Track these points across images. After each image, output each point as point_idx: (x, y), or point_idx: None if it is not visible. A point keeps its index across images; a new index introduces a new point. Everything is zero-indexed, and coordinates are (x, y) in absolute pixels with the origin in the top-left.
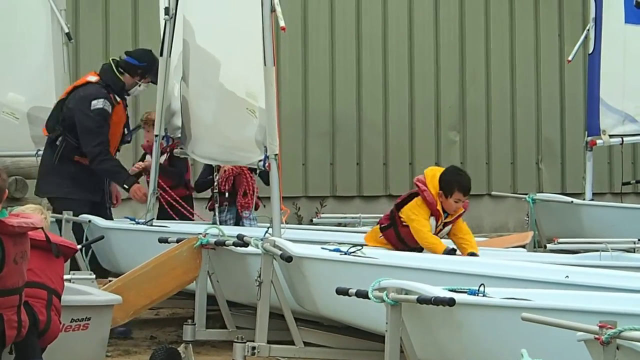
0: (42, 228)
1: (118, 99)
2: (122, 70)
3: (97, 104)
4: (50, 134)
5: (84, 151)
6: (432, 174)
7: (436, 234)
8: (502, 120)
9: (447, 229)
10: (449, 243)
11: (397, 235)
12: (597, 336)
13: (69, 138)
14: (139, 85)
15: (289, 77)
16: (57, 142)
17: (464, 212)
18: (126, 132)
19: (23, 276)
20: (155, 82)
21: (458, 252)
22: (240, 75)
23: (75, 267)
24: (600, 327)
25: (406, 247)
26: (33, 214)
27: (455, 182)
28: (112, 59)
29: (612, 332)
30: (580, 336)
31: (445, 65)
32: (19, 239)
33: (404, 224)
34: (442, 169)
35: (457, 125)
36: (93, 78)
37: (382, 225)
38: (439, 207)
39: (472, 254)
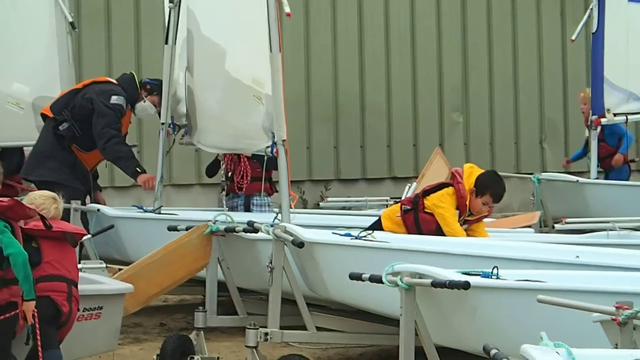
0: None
1: (129, 107)
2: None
3: (117, 100)
4: (55, 117)
5: (98, 132)
6: (470, 171)
7: None
8: (505, 101)
9: (464, 226)
10: None
11: (416, 220)
12: (614, 317)
13: (74, 126)
14: (144, 101)
15: (292, 62)
16: (61, 127)
17: (484, 217)
18: (127, 144)
19: None
20: (159, 108)
21: None
22: (245, 62)
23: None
24: (617, 307)
25: (420, 234)
26: (45, 202)
27: (491, 185)
28: (133, 73)
29: (629, 313)
30: (596, 317)
31: (447, 46)
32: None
33: (426, 210)
34: (481, 170)
35: (460, 107)
36: (112, 80)
37: (405, 207)
38: (467, 203)
39: None
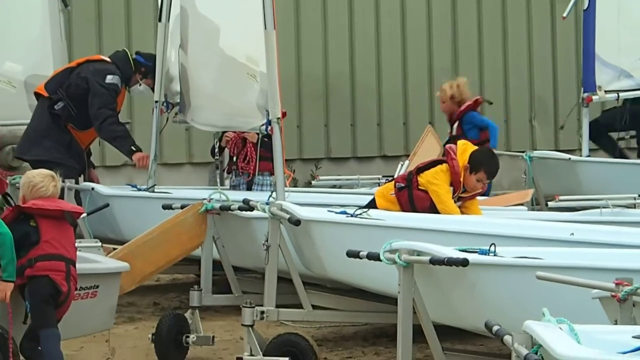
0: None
1: (124, 85)
2: None
3: (112, 79)
4: (50, 96)
5: (94, 112)
6: (464, 148)
7: None
8: (494, 79)
9: (458, 203)
10: None
11: (410, 198)
12: (613, 293)
13: (69, 105)
14: (139, 85)
15: (282, 40)
16: (56, 107)
17: (478, 195)
18: (122, 123)
19: None
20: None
21: None
22: (240, 40)
23: None
24: (617, 284)
25: (414, 211)
26: (44, 180)
27: (485, 162)
28: (126, 50)
29: (629, 289)
30: (596, 294)
31: (437, 25)
32: None
33: (420, 188)
34: (474, 147)
35: None
36: (106, 59)
37: (399, 185)
38: (461, 179)
39: None
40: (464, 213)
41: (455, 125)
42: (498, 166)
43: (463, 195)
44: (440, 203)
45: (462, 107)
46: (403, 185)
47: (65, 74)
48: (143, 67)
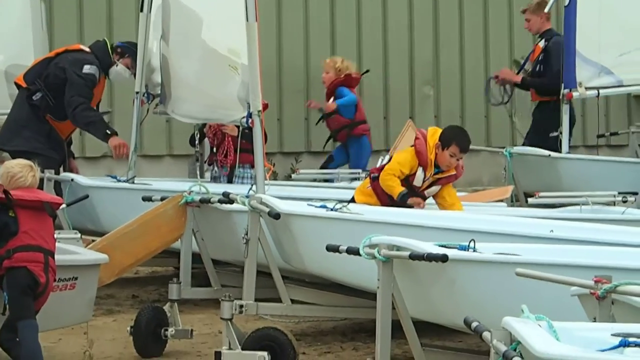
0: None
1: (103, 74)
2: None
3: (90, 69)
4: (29, 86)
5: (67, 100)
6: (434, 131)
7: (423, 190)
8: (475, 74)
9: (435, 188)
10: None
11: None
12: (592, 291)
13: (47, 96)
14: (117, 65)
15: (263, 33)
16: (34, 97)
17: (455, 177)
18: (95, 109)
19: None
20: (134, 71)
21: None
22: (221, 31)
23: None
24: (596, 281)
25: (390, 200)
26: (22, 171)
27: (455, 135)
28: (106, 39)
29: (608, 287)
30: (574, 291)
31: (418, 18)
32: None
33: None
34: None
35: (431, 80)
36: (85, 49)
37: (373, 175)
38: (431, 157)
39: None
40: (443, 202)
41: (331, 100)
42: (469, 139)
43: (439, 176)
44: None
45: (333, 82)
46: (377, 174)
47: (44, 64)
48: (119, 47)
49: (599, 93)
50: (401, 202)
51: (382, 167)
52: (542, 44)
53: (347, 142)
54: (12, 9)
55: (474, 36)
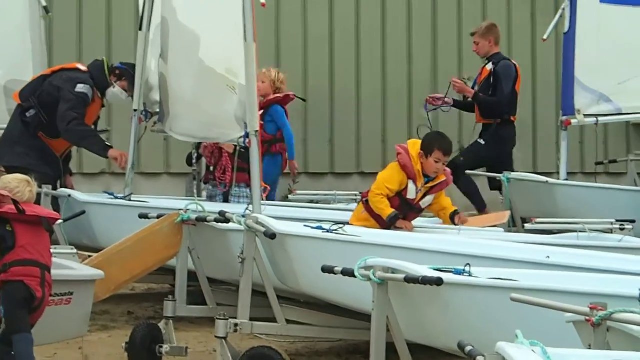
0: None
1: (99, 95)
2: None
3: (82, 88)
4: (23, 103)
5: (60, 115)
6: (414, 142)
7: (418, 202)
8: None
9: (429, 198)
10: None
11: None
12: (588, 318)
13: (40, 113)
14: (113, 87)
15: (262, 53)
16: (27, 114)
17: (447, 184)
18: (92, 127)
19: None
20: (131, 94)
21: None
22: (220, 51)
23: None
24: (592, 308)
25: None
26: (19, 186)
27: (435, 141)
28: (105, 59)
29: (604, 314)
30: (569, 317)
31: (417, 41)
32: None
33: None
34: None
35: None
36: (82, 67)
37: (366, 199)
38: (417, 168)
39: (455, 212)
40: (440, 211)
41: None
42: (449, 141)
43: (430, 185)
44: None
45: (271, 97)
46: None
47: (39, 81)
48: (117, 69)
49: (597, 120)
50: (390, 224)
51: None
52: (489, 66)
53: (262, 157)
54: (12, 25)
55: (473, 61)
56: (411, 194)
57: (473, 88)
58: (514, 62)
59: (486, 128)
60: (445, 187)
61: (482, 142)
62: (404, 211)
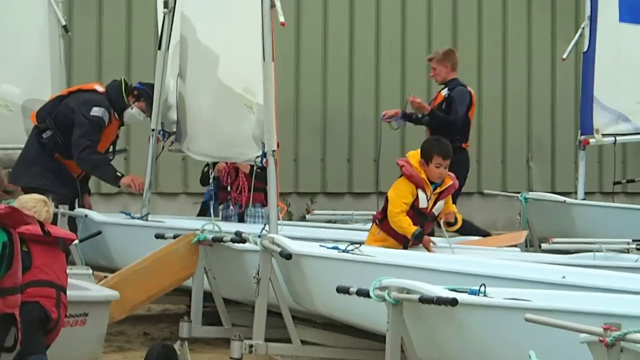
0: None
1: (116, 116)
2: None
3: (97, 111)
4: (39, 124)
5: (73, 142)
6: (413, 153)
7: (430, 209)
8: (493, 119)
9: (440, 204)
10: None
11: None
12: (601, 338)
13: (56, 134)
14: (132, 108)
15: (281, 72)
16: (44, 135)
17: (453, 188)
18: (111, 149)
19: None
20: (149, 114)
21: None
22: (238, 70)
23: None
24: (605, 329)
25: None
26: (36, 206)
27: (433, 147)
28: (123, 79)
29: (617, 335)
30: (584, 338)
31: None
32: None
33: None
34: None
35: None
36: (100, 88)
37: (379, 219)
38: (423, 177)
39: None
40: (444, 211)
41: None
42: (447, 144)
43: (438, 190)
44: (392, 222)
45: None
46: (381, 217)
47: (56, 102)
48: (136, 90)
49: (615, 140)
50: (416, 241)
51: (384, 209)
52: (444, 92)
53: None
54: (32, 44)
55: (492, 80)
56: (422, 202)
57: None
58: (469, 89)
59: None
60: (453, 190)
61: None
62: (420, 222)
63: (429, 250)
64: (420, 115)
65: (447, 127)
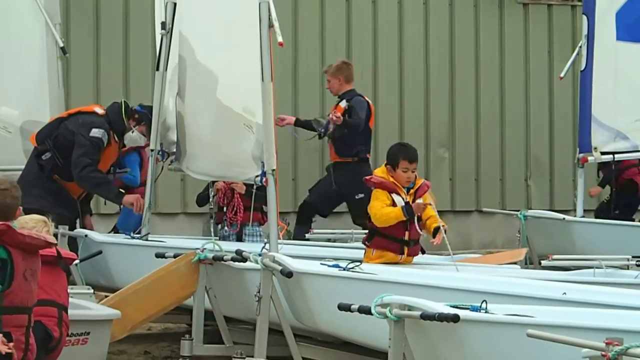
0: (55, 244)
1: (116, 139)
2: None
3: (97, 133)
4: (38, 146)
5: (73, 161)
6: (377, 169)
7: None
8: (491, 137)
9: (419, 201)
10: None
11: (384, 236)
12: (604, 353)
13: (55, 156)
14: (132, 132)
15: (279, 91)
16: (43, 157)
17: (426, 186)
18: (111, 170)
19: (33, 296)
20: (149, 137)
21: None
22: (237, 90)
23: None
24: (607, 344)
25: (399, 240)
26: (36, 226)
27: (398, 152)
28: (124, 101)
29: (619, 349)
30: (586, 353)
31: (434, 81)
32: (28, 255)
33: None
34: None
35: (446, 142)
36: (100, 111)
37: (367, 239)
38: (392, 181)
39: (438, 228)
40: (424, 215)
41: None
42: (413, 149)
43: (412, 191)
44: (378, 220)
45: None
46: (369, 235)
47: (55, 124)
48: (137, 114)
49: (614, 157)
50: (410, 215)
51: (368, 228)
52: (343, 104)
53: None
54: (30, 66)
55: (490, 99)
56: (400, 204)
57: (327, 127)
58: (367, 99)
59: (340, 166)
60: (427, 189)
61: (334, 184)
62: (404, 225)
63: (423, 212)
64: (321, 130)
65: (352, 133)
